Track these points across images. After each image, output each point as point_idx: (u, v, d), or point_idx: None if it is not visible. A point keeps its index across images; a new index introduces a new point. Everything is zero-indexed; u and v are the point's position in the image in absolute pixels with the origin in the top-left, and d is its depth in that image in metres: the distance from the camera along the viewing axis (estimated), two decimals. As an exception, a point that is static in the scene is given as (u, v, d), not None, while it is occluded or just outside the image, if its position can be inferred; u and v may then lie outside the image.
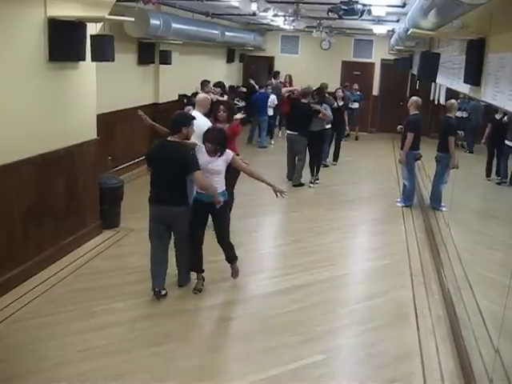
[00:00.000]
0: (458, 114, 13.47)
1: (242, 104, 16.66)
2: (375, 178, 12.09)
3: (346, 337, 5.27)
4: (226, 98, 11.35)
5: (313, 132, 10.53)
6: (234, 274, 6.15)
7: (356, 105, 15.95)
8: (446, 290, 6.10)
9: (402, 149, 9.61)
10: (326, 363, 4.72)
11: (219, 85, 12.31)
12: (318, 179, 10.99)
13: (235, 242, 7.12)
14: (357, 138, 16.76)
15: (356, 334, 5.30)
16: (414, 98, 9.59)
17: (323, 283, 6.36)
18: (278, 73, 16.41)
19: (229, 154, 5.79)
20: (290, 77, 16.06)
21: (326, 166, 12.43)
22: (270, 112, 14.72)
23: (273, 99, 14.61)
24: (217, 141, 5.68)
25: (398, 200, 9.88)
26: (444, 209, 8.84)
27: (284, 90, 14.67)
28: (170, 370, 4.54)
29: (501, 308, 4.38)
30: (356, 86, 16.43)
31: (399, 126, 10.01)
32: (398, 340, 5.16)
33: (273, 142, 15.09)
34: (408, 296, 6.14)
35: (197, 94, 10.85)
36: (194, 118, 5.95)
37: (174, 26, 10.55)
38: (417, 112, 9.33)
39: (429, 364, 4.76)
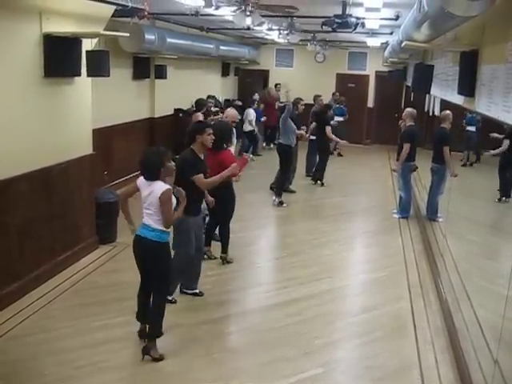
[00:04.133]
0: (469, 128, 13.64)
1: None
2: (371, 190, 12.09)
3: (344, 349, 5.26)
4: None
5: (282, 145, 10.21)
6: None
7: (339, 118, 15.22)
8: (444, 301, 6.09)
9: (397, 160, 9.66)
10: (326, 376, 4.70)
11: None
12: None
13: (232, 255, 7.14)
14: (339, 155, 15.70)
15: (355, 347, 5.29)
16: (409, 109, 9.65)
17: (321, 296, 6.35)
18: (279, 85, 16.89)
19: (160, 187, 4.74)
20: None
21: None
22: (249, 127, 14.38)
23: (251, 113, 14.54)
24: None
25: (395, 211, 9.90)
26: (441, 219, 8.85)
27: None
28: (168, 385, 4.52)
29: (499, 318, 4.38)
30: (342, 98, 16.05)
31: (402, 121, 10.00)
32: (396, 352, 5.15)
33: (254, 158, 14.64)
34: (406, 307, 6.13)
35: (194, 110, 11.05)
36: (207, 125, 5.95)
37: (169, 40, 10.61)
38: (412, 123, 9.39)
39: (428, 376, 4.75)
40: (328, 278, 6.89)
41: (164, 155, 4.78)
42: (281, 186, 10.32)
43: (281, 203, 10.10)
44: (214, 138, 5.83)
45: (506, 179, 10.56)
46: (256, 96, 15.70)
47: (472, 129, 13.72)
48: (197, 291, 6.11)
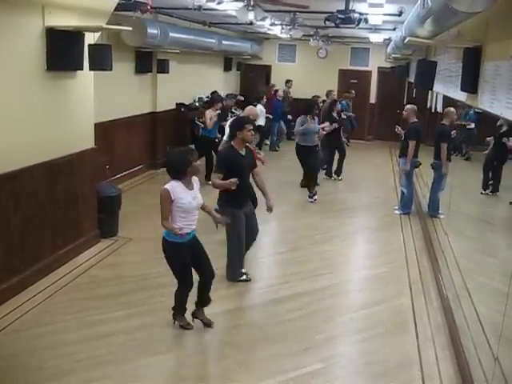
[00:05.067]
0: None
1: (239, 112, 16.67)
2: (373, 186, 12.09)
3: (345, 345, 5.27)
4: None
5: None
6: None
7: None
8: (444, 298, 6.10)
9: (399, 156, 9.65)
10: (326, 371, 4.71)
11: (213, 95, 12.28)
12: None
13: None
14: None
15: (355, 342, 5.29)
16: (410, 106, 9.62)
17: (322, 291, 6.36)
18: (289, 81, 17.02)
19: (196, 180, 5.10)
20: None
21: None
22: (262, 122, 14.18)
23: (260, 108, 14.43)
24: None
25: (396, 208, 9.89)
26: (442, 216, 8.85)
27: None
28: (169, 379, 4.54)
29: (500, 315, 4.38)
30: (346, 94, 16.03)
31: (398, 128, 9.98)
32: (397, 348, 5.15)
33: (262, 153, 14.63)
34: (407, 304, 6.14)
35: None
36: (247, 121, 6.00)
37: (172, 34, 10.59)
38: (416, 120, 9.37)
39: (428, 372, 4.76)
40: (329, 273, 6.90)
41: (191, 154, 4.86)
42: (310, 183, 10.42)
43: (312, 197, 10.24)
44: (254, 133, 6.03)
45: (488, 174, 10.72)
46: (281, 93, 15.79)
47: (472, 126, 13.81)
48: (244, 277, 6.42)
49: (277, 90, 16.02)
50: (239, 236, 6.22)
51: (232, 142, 6.00)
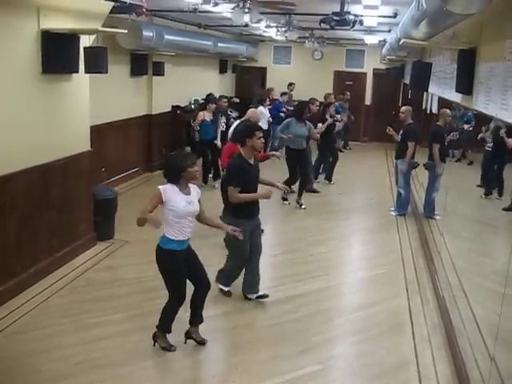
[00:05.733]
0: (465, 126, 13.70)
1: (234, 114, 16.65)
2: (368, 188, 12.11)
3: (341, 346, 5.27)
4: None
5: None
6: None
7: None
8: (440, 298, 6.11)
9: (396, 158, 9.66)
10: (323, 373, 4.72)
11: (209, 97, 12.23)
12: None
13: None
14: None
15: (352, 344, 5.30)
16: (405, 107, 9.66)
17: (318, 293, 6.36)
18: (291, 84, 16.92)
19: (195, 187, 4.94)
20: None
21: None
22: (265, 126, 13.95)
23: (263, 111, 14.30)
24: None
25: (392, 209, 9.91)
26: (438, 217, 8.86)
27: None
28: (165, 382, 4.53)
29: (496, 316, 4.39)
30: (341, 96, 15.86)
31: (389, 128, 9.95)
32: (393, 349, 5.16)
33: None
34: (403, 305, 6.15)
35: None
36: (257, 128, 5.72)
37: (167, 37, 10.61)
38: (411, 121, 9.40)
39: (425, 372, 4.77)
40: (325, 275, 6.90)
41: (186, 159, 4.69)
42: (299, 189, 10.19)
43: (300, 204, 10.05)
44: (264, 141, 5.79)
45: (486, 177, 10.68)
46: (285, 98, 15.72)
47: (470, 128, 13.84)
48: (261, 293, 5.99)
49: (284, 93, 15.86)
50: (242, 253, 5.81)
51: (241, 151, 5.65)
